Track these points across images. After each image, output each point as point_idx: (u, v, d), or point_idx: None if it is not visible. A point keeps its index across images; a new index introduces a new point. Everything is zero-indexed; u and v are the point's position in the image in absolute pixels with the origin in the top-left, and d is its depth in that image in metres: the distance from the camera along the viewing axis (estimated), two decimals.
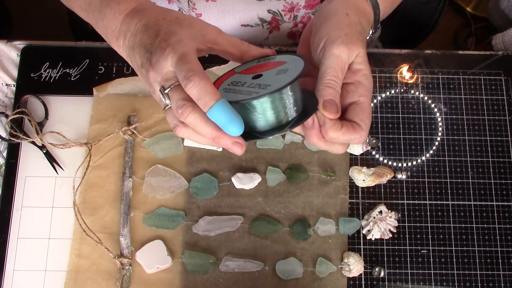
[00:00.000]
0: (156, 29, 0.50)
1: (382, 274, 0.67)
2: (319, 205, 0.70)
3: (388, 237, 0.69)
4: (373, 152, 0.72)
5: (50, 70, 0.74)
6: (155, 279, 0.66)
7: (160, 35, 0.49)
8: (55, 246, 0.68)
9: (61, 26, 1.01)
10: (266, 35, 0.80)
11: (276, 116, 0.48)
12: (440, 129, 0.74)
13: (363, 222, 0.69)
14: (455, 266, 0.68)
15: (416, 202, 0.70)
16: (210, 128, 0.46)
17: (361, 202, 0.70)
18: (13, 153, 0.71)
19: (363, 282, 0.67)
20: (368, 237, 0.68)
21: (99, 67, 0.75)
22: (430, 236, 0.69)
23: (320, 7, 0.58)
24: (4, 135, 0.71)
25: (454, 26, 1.67)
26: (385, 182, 0.71)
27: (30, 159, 0.71)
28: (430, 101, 0.75)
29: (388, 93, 0.75)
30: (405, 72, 0.76)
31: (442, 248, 0.69)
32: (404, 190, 0.71)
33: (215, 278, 0.66)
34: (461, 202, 0.71)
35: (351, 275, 0.67)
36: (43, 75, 0.74)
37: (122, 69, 0.75)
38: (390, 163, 0.72)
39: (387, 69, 0.76)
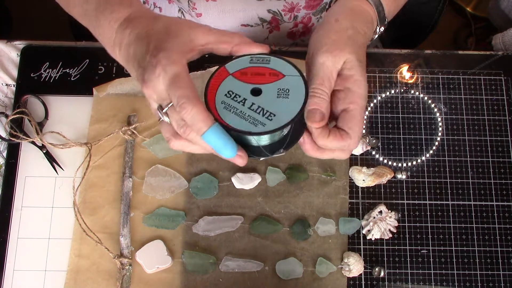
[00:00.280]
0: (147, 41, 0.50)
1: (382, 274, 0.67)
2: (319, 205, 0.70)
3: (388, 237, 0.69)
4: (373, 152, 0.72)
5: (50, 70, 0.74)
6: (155, 279, 0.66)
7: (149, 50, 0.49)
8: (55, 246, 0.68)
9: (61, 26, 1.01)
10: (266, 35, 0.80)
11: (271, 141, 0.51)
12: (440, 129, 0.74)
13: (363, 222, 0.69)
14: (455, 266, 0.68)
15: (416, 202, 0.70)
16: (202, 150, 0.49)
17: (361, 202, 0.70)
18: (13, 153, 0.71)
19: (363, 282, 0.67)
20: (368, 237, 0.68)
21: (99, 67, 0.75)
22: (430, 236, 0.69)
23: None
24: (4, 135, 0.71)
25: (454, 26, 1.67)
26: (385, 182, 0.71)
27: (30, 159, 0.71)
28: (430, 101, 0.75)
29: (388, 93, 0.75)
30: (405, 72, 0.76)
31: (442, 248, 0.69)
32: (404, 190, 0.71)
33: (215, 278, 0.66)
34: (461, 202, 0.71)
35: (351, 275, 0.67)
36: (43, 75, 0.74)
37: (122, 69, 0.75)
38: (390, 163, 0.72)
39: (387, 69, 0.76)
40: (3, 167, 0.71)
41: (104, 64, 0.75)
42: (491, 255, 0.69)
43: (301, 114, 0.48)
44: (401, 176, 0.71)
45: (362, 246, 0.69)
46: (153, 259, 0.66)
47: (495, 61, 0.77)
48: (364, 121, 0.54)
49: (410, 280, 0.68)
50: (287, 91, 0.48)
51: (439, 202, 0.71)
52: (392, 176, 0.71)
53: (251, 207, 0.69)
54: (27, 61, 0.75)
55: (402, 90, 0.75)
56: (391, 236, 0.69)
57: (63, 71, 0.75)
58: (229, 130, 0.47)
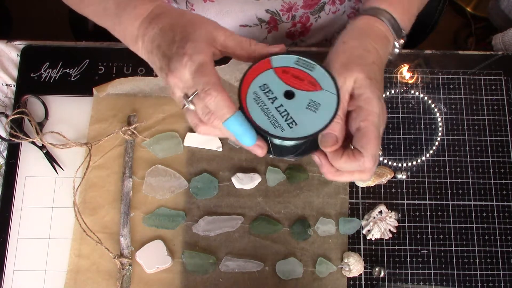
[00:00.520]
0: (172, 33, 0.51)
1: (382, 274, 0.67)
2: (319, 205, 0.70)
3: (388, 237, 0.68)
4: None
5: (50, 70, 0.74)
6: (155, 279, 0.66)
7: (175, 41, 0.50)
8: (55, 246, 0.68)
9: (61, 26, 1.01)
10: (265, 35, 0.80)
11: (284, 146, 0.52)
12: (440, 129, 0.74)
13: (363, 222, 0.69)
14: (455, 266, 0.68)
15: (416, 202, 0.70)
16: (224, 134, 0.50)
17: (361, 202, 0.70)
18: (13, 153, 0.71)
19: (363, 282, 0.67)
20: (368, 237, 0.68)
21: (99, 67, 0.75)
22: (430, 236, 0.69)
23: None
24: (4, 135, 0.71)
25: (454, 26, 1.67)
26: (385, 182, 0.71)
27: (30, 159, 0.71)
28: (430, 101, 0.75)
29: (388, 93, 0.75)
30: (405, 72, 0.76)
31: (442, 248, 0.69)
32: (404, 190, 0.71)
33: (215, 278, 0.66)
34: (461, 202, 0.71)
35: (351, 275, 0.67)
36: (43, 75, 0.74)
37: (122, 69, 0.75)
38: (390, 163, 0.72)
39: (387, 69, 0.76)
40: (3, 167, 0.71)
41: (104, 64, 0.75)
42: (491, 255, 0.69)
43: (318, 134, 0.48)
44: (401, 176, 0.71)
45: (362, 246, 0.69)
46: (153, 259, 0.66)
47: (495, 61, 0.77)
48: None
49: (410, 280, 0.68)
50: (317, 105, 0.48)
51: (439, 202, 0.71)
52: (392, 176, 0.71)
53: (251, 207, 0.69)
54: (27, 61, 0.75)
55: (402, 90, 0.75)
56: (391, 236, 0.69)
57: (63, 71, 0.75)
58: (249, 121, 0.48)
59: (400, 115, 0.74)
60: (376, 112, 0.50)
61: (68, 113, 0.73)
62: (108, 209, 0.69)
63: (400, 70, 0.76)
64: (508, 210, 0.70)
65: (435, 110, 0.74)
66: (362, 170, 0.51)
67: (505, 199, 0.71)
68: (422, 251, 0.69)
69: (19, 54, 0.75)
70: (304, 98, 0.49)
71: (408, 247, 0.69)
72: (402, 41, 0.59)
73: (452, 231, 0.69)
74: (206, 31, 0.51)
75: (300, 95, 0.49)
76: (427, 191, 0.71)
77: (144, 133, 0.71)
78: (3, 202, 0.69)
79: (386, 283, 0.67)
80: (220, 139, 0.71)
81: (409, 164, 0.72)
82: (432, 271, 0.68)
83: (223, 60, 0.54)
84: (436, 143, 0.73)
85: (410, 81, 0.76)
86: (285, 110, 0.48)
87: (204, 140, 0.71)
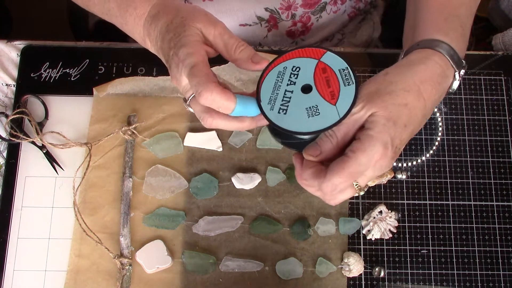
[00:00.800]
0: (169, 37, 0.52)
1: (382, 274, 0.67)
2: (319, 205, 0.70)
3: (388, 237, 0.68)
4: None
5: (50, 70, 0.74)
6: (155, 279, 0.66)
7: (171, 47, 0.51)
8: (55, 246, 0.68)
9: (61, 26, 1.01)
10: (265, 33, 0.80)
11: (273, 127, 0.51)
12: (440, 129, 0.73)
13: (363, 222, 0.69)
14: (455, 266, 0.68)
15: (416, 202, 0.70)
16: (231, 126, 0.52)
17: (361, 202, 0.70)
18: (13, 153, 0.71)
19: (363, 282, 0.67)
20: (368, 237, 0.68)
21: (99, 67, 0.75)
22: (430, 236, 0.69)
23: None
24: (4, 135, 0.71)
25: None
26: (385, 182, 0.71)
27: (30, 159, 0.71)
28: None
29: None
30: None
31: (442, 248, 0.69)
32: (404, 190, 0.71)
33: (215, 278, 0.66)
34: (461, 202, 0.71)
35: (351, 275, 0.67)
36: (43, 75, 0.74)
37: (122, 69, 0.75)
38: None
39: None
40: (3, 167, 0.71)
41: (104, 64, 0.75)
42: (491, 255, 0.69)
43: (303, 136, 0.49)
44: (401, 176, 0.71)
45: (362, 246, 0.69)
46: (153, 259, 0.66)
47: (495, 61, 0.77)
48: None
49: (410, 280, 0.68)
50: (317, 114, 0.48)
51: (439, 202, 0.70)
52: (392, 176, 0.71)
53: (251, 207, 0.69)
54: (27, 61, 0.75)
55: None
56: (391, 236, 0.69)
57: (63, 71, 0.75)
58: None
59: None
60: (370, 154, 0.47)
61: (68, 113, 0.73)
62: (108, 209, 0.69)
63: None
64: (508, 210, 0.70)
65: (435, 110, 0.74)
66: (321, 190, 0.49)
67: (505, 199, 0.71)
68: (422, 251, 0.69)
69: (19, 54, 0.75)
70: (314, 101, 0.48)
71: (408, 247, 0.69)
72: (463, 72, 0.55)
73: (452, 231, 0.69)
74: (197, 31, 0.51)
75: (313, 96, 0.48)
76: (427, 191, 0.71)
77: (144, 133, 0.71)
78: (3, 202, 0.69)
79: (386, 283, 0.67)
80: (220, 139, 0.71)
81: (409, 164, 0.72)
82: (432, 271, 0.68)
83: (224, 59, 0.54)
84: (436, 143, 0.73)
85: None
86: (289, 98, 0.49)
87: (204, 140, 0.71)
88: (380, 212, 0.69)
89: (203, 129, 0.72)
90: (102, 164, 0.70)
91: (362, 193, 0.51)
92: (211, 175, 0.70)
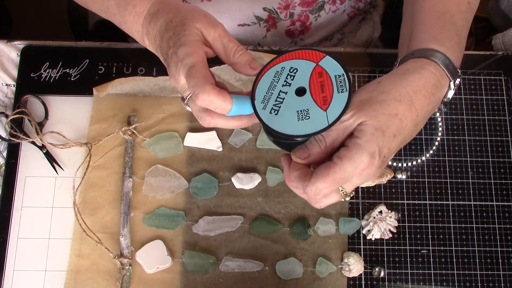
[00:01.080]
0: (168, 36, 0.52)
1: (382, 274, 0.67)
2: None
3: (388, 237, 0.68)
4: None
5: (50, 70, 0.74)
6: (155, 279, 0.66)
7: (170, 46, 0.51)
8: (55, 246, 0.68)
9: (61, 26, 1.01)
10: (264, 33, 0.80)
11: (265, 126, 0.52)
12: (440, 129, 0.73)
13: (363, 222, 0.69)
14: (455, 266, 0.68)
15: (416, 202, 0.70)
16: (230, 124, 0.52)
17: (361, 202, 0.70)
18: (13, 153, 0.71)
19: (363, 282, 0.67)
20: (368, 237, 0.68)
21: (99, 67, 0.75)
22: (430, 236, 0.69)
23: None
24: (4, 135, 0.71)
25: None
26: (385, 182, 0.71)
27: (30, 159, 0.71)
28: None
29: None
30: None
31: (442, 248, 0.69)
32: (404, 190, 0.71)
33: (215, 278, 0.66)
34: (461, 202, 0.71)
35: (351, 275, 0.67)
36: (43, 75, 0.74)
37: (122, 69, 0.75)
38: (390, 163, 0.72)
39: (387, 69, 0.76)
40: (3, 167, 0.71)
41: (104, 64, 0.75)
42: (491, 255, 0.69)
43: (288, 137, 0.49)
44: (401, 176, 0.71)
45: (362, 246, 0.69)
46: (153, 259, 0.66)
47: (495, 61, 0.77)
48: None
49: (410, 280, 0.68)
50: (307, 118, 0.48)
51: (439, 202, 0.70)
52: (392, 176, 0.71)
53: (251, 207, 0.69)
54: (27, 61, 0.75)
55: None
56: (391, 236, 0.69)
57: (63, 71, 0.75)
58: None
59: None
60: (356, 162, 0.47)
61: (68, 113, 0.73)
62: (108, 209, 0.69)
63: None
64: (508, 210, 0.70)
65: (435, 110, 0.74)
66: (306, 193, 0.49)
67: (505, 199, 0.71)
68: (422, 251, 0.69)
69: (19, 54, 0.75)
70: (306, 104, 0.48)
71: (408, 247, 0.69)
72: (458, 81, 0.55)
73: (452, 231, 0.69)
74: (197, 31, 0.52)
75: (306, 100, 0.49)
76: (427, 191, 0.71)
77: (144, 133, 0.71)
78: (3, 202, 0.69)
79: (386, 283, 0.67)
80: (220, 139, 0.71)
81: (409, 164, 0.72)
82: (432, 271, 0.68)
83: None
84: (436, 143, 0.73)
85: None
86: (283, 99, 0.49)
87: (204, 140, 0.71)
88: (380, 212, 0.69)
89: (203, 129, 0.72)
90: (102, 164, 0.70)
91: (347, 199, 0.51)
92: (211, 175, 0.70)
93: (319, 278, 0.67)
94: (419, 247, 0.69)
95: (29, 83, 0.74)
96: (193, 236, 0.68)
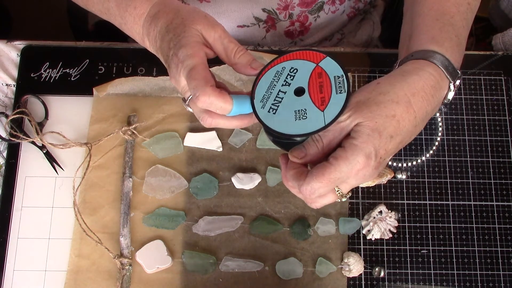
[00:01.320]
0: (168, 37, 0.52)
1: (382, 274, 0.67)
2: None
3: (388, 237, 0.68)
4: None
5: (50, 70, 0.74)
6: (155, 279, 0.66)
7: (170, 47, 0.52)
8: (55, 246, 0.68)
9: (61, 26, 1.01)
10: (263, 34, 0.80)
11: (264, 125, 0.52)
12: (440, 129, 0.74)
13: (363, 222, 0.69)
14: (455, 266, 0.68)
15: (416, 202, 0.70)
16: (231, 124, 0.53)
17: (361, 202, 0.70)
18: (13, 153, 0.71)
19: (363, 282, 0.67)
20: (368, 237, 0.68)
21: (99, 67, 0.75)
22: (430, 236, 0.69)
23: None
24: (4, 135, 0.71)
25: None
26: (385, 182, 0.71)
27: (30, 159, 0.71)
28: None
29: None
30: None
31: (442, 248, 0.69)
32: (404, 190, 0.71)
33: (215, 278, 0.66)
34: (461, 202, 0.71)
35: (351, 275, 0.67)
36: (43, 75, 0.74)
37: (122, 69, 0.75)
38: (390, 163, 0.72)
39: (387, 69, 0.76)
40: (3, 167, 0.71)
41: (104, 64, 0.75)
42: (491, 255, 0.69)
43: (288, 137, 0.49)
44: (401, 176, 0.71)
45: (362, 246, 0.69)
46: (153, 259, 0.66)
47: (495, 61, 0.77)
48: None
49: (410, 280, 0.68)
50: (304, 117, 0.48)
51: (439, 202, 0.70)
52: (392, 176, 0.71)
53: (251, 207, 0.69)
54: (27, 61, 0.75)
55: None
56: (391, 236, 0.69)
57: (63, 71, 0.75)
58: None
59: None
60: (352, 163, 0.47)
61: (68, 113, 0.73)
62: (108, 209, 0.69)
63: None
64: (508, 210, 0.70)
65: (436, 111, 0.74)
66: (301, 192, 0.50)
67: (505, 199, 0.71)
68: (422, 251, 0.69)
69: (19, 54, 0.75)
70: (304, 104, 0.49)
71: (408, 247, 0.69)
72: (457, 82, 0.54)
73: (452, 231, 0.69)
74: (197, 32, 0.52)
75: (304, 100, 0.49)
76: (427, 191, 0.71)
77: (144, 133, 0.71)
78: (3, 202, 0.69)
79: (386, 283, 0.67)
80: (220, 139, 0.71)
81: (409, 164, 0.72)
82: (432, 271, 0.68)
83: None
84: (436, 143, 0.73)
85: None
86: (281, 98, 0.49)
87: (204, 140, 0.71)
88: (380, 212, 0.69)
89: (203, 129, 0.72)
90: (102, 164, 0.70)
91: (344, 199, 0.51)
92: (211, 175, 0.70)
93: (319, 278, 0.67)
94: (419, 247, 0.69)
95: (29, 83, 0.74)
96: (193, 236, 0.68)
